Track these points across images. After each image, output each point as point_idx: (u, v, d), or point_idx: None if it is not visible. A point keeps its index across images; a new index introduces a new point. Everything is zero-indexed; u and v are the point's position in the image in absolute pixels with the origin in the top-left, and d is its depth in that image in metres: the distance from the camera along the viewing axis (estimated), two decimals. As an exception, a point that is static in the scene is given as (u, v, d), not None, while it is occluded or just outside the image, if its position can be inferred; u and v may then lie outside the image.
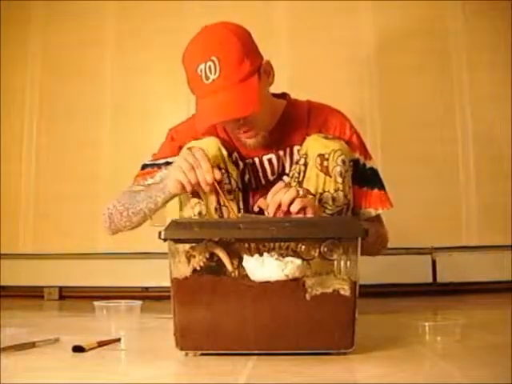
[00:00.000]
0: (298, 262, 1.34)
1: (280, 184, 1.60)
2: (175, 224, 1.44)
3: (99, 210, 2.81)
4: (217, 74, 1.56)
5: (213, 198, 1.63)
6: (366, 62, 2.75)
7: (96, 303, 1.51)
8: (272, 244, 1.51)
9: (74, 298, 2.70)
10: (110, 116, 2.82)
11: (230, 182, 1.66)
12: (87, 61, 2.84)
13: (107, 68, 2.84)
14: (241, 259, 1.39)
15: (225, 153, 1.66)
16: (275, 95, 1.82)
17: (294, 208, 1.48)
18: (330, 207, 1.63)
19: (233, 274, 1.39)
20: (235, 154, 1.72)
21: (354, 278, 1.35)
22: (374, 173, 1.78)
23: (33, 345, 1.44)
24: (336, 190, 1.62)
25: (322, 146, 1.63)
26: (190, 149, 1.61)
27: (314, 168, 1.62)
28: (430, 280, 2.63)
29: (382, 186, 1.79)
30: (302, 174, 1.65)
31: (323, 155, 1.61)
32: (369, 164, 1.78)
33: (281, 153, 1.75)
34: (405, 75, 2.72)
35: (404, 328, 1.56)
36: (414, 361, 1.28)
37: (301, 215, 1.49)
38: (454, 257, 2.65)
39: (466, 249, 2.65)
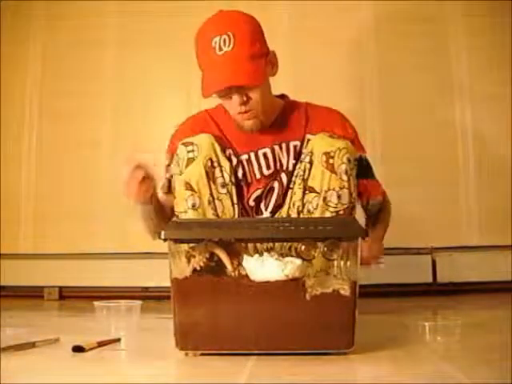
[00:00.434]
0: (298, 261, 1.34)
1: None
2: (175, 224, 1.44)
3: (99, 210, 2.83)
4: (230, 47, 1.66)
5: (206, 191, 1.66)
6: (366, 62, 2.75)
7: (96, 303, 1.51)
8: (272, 244, 1.52)
9: (74, 297, 2.70)
10: (110, 116, 2.82)
11: (222, 176, 1.69)
12: (87, 61, 2.84)
13: (107, 68, 2.84)
14: (241, 259, 1.39)
15: (217, 147, 1.69)
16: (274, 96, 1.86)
17: None
18: (334, 205, 1.63)
19: (233, 274, 1.40)
20: (229, 151, 1.75)
21: (353, 278, 1.35)
22: (369, 164, 1.88)
23: (33, 345, 1.44)
24: (341, 188, 1.63)
25: (328, 144, 1.64)
26: (185, 144, 1.67)
27: (320, 165, 1.63)
28: (430, 280, 2.62)
29: (374, 174, 1.92)
30: (307, 172, 1.67)
31: (329, 153, 1.63)
32: (363, 155, 1.85)
33: (276, 147, 1.79)
34: (405, 75, 2.72)
35: (404, 328, 1.56)
36: (414, 361, 1.29)
37: None
38: (454, 257, 2.64)
39: (466, 249, 2.65)
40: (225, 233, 1.39)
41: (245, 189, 1.78)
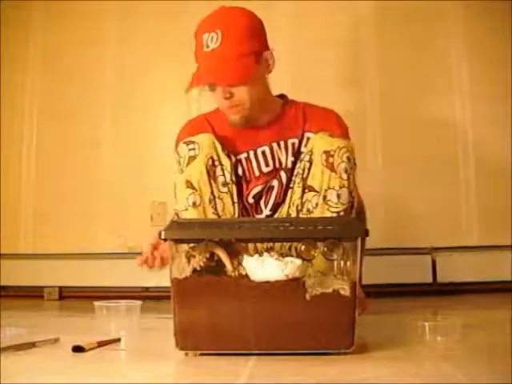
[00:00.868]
0: (298, 261, 1.34)
1: None
2: (175, 224, 1.44)
3: (99, 210, 2.83)
4: (217, 44, 1.69)
5: (207, 189, 1.66)
6: (366, 61, 2.75)
7: (96, 303, 1.51)
8: (272, 244, 1.52)
9: (74, 297, 2.70)
10: (110, 116, 2.82)
11: (223, 174, 1.70)
12: (87, 60, 2.84)
13: (107, 68, 2.84)
14: (241, 259, 1.39)
15: (219, 146, 1.70)
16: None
17: None
18: (334, 205, 1.63)
19: (233, 274, 1.39)
20: (228, 150, 1.75)
21: (353, 278, 1.35)
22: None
23: (33, 345, 1.44)
24: (341, 187, 1.63)
25: (328, 143, 1.65)
26: (186, 142, 1.67)
27: (320, 164, 1.64)
28: (430, 280, 2.63)
29: None
30: (306, 171, 1.68)
31: (328, 152, 1.63)
32: None
33: (274, 145, 1.80)
34: (405, 75, 2.72)
35: (404, 328, 1.56)
36: (414, 361, 1.28)
37: None
38: (454, 257, 2.64)
39: (466, 249, 2.65)
40: (225, 233, 1.39)
41: (244, 186, 1.78)
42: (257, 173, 1.80)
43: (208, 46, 1.69)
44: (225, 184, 1.70)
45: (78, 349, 1.37)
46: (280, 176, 1.79)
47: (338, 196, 1.63)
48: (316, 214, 1.64)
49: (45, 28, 2.88)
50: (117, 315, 1.50)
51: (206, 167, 1.67)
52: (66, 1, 2.86)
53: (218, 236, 1.39)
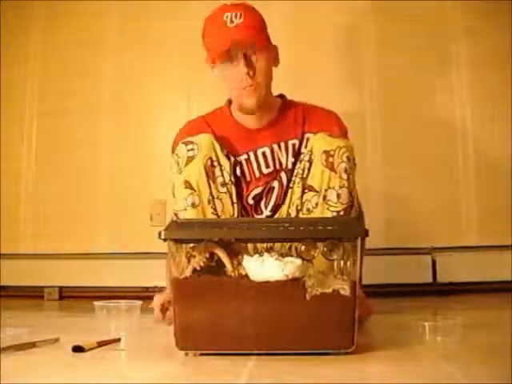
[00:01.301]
0: (298, 261, 1.34)
1: None
2: (175, 224, 1.44)
3: (99, 210, 2.83)
4: (241, 20, 1.72)
5: (205, 190, 1.66)
6: (366, 62, 2.75)
7: (96, 303, 1.51)
8: (272, 244, 1.52)
9: (74, 297, 2.70)
10: (109, 116, 2.82)
11: (222, 175, 1.70)
12: (87, 60, 2.84)
13: (107, 67, 2.84)
14: (241, 259, 1.39)
15: (218, 147, 1.70)
16: None
17: None
18: (334, 204, 1.63)
19: (233, 274, 1.39)
20: (227, 151, 1.75)
21: (353, 277, 1.35)
22: None
23: (33, 345, 1.43)
24: (341, 187, 1.63)
25: (327, 143, 1.65)
26: (185, 143, 1.67)
27: (319, 164, 1.64)
28: (430, 280, 2.62)
29: None
30: (306, 171, 1.68)
31: (328, 152, 1.63)
32: None
33: (275, 147, 1.81)
34: (405, 75, 2.72)
35: (404, 328, 1.56)
36: (414, 361, 1.28)
37: None
38: (454, 257, 2.64)
39: (466, 249, 2.65)
40: (225, 233, 1.39)
41: (244, 187, 1.78)
42: (257, 174, 1.80)
43: (232, 22, 1.71)
44: (224, 184, 1.70)
45: (77, 349, 1.37)
46: (280, 177, 1.80)
47: (338, 196, 1.63)
48: (316, 213, 1.64)
49: (45, 28, 2.88)
50: (117, 315, 1.50)
51: (205, 168, 1.66)
52: (66, 1, 2.86)
53: (218, 236, 1.39)
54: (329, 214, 1.63)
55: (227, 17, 1.72)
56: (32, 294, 2.71)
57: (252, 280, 1.34)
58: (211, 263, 1.41)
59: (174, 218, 1.66)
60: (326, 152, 1.63)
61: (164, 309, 1.74)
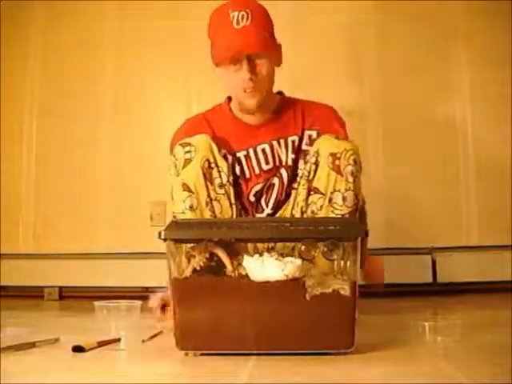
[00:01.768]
0: (298, 261, 1.34)
1: None
2: (175, 224, 1.44)
3: (99, 210, 2.83)
4: (248, 22, 1.70)
5: (203, 192, 1.66)
6: (366, 61, 2.75)
7: (96, 303, 1.51)
8: (273, 244, 1.52)
9: (74, 297, 2.70)
10: (110, 116, 2.82)
11: (220, 176, 1.69)
12: (87, 60, 2.84)
13: (107, 67, 2.84)
14: (241, 259, 1.39)
15: (215, 148, 1.69)
16: None
17: None
18: (339, 207, 1.63)
19: (233, 274, 1.39)
20: (225, 150, 1.75)
21: (353, 278, 1.35)
22: None
23: (33, 345, 1.44)
24: (347, 190, 1.63)
25: (334, 145, 1.65)
26: (182, 144, 1.67)
27: (326, 166, 1.63)
28: (430, 280, 2.62)
29: None
30: (312, 173, 1.67)
31: (335, 154, 1.63)
32: None
33: (275, 143, 1.81)
34: (405, 75, 2.72)
35: (404, 328, 1.56)
36: (414, 361, 1.28)
37: None
38: (454, 257, 2.64)
39: (466, 249, 2.65)
40: (225, 233, 1.39)
41: (244, 184, 1.79)
42: (257, 170, 1.80)
43: (239, 23, 1.70)
44: (221, 186, 1.69)
45: (77, 349, 1.37)
46: (280, 173, 1.80)
47: (344, 199, 1.63)
48: (321, 216, 1.65)
49: (45, 28, 2.88)
50: (117, 315, 1.50)
51: (202, 169, 1.66)
52: (66, 1, 2.86)
53: (218, 236, 1.39)
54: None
55: (233, 17, 1.70)
56: (32, 294, 2.70)
57: (252, 280, 1.34)
58: (211, 263, 1.42)
59: (174, 219, 1.66)
60: (333, 154, 1.63)
61: (164, 309, 1.73)
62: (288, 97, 1.89)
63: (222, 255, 1.41)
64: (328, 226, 1.38)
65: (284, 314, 1.32)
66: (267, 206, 1.80)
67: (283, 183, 1.79)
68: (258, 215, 1.80)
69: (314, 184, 1.67)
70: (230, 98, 1.87)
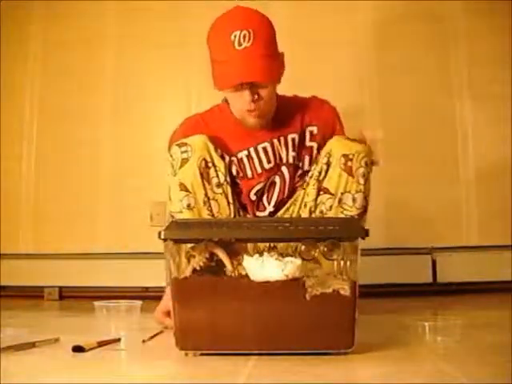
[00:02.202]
0: (298, 261, 1.34)
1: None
2: (175, 224, 1.44)
3: (99, 210, 2.83)
4: (250, 43, 1.65)
5: (201, 191, 1.66)
6: (366, 61, 2.75)
7: (96, 303, 1.51)
8: (272, 244, 1.52)
9: (74, 297, 2.70)
10: (109, 116, 2.82)
11: (217, 176, 1.69)
12: (87, 60, 2.84)
13: (107, 68, 2.84)
14: (241, 259, 1.39)
15: (212, 147, 1.69)
16: None
17: None
18: (349, 208, 1.64)
19: (233, 274, 1.40)
20: (223, 151, 1.74)
21: (353, 277, 1.35)
22: None
23: (33, 345, 1.44)
24: (357, 192, 1.64)
25: (346, 146, 1.66)
26: (179, 144, 1.66)
27: (338, 167, 1.65)
28: (430, 280, 2.62)
29: None
30: (323, 174, 1.68)
31: (347, 155, 1.64)
32: None
33: (275, 141, 1.80)
34: (405, 75, 2.72)
35: (404, 328, 1.56)
36: (414, 361, 1.28)
37: None
38: (453, 257, 2.64)
39: (466, 249, 2.65)
40: (225, 233, 1.39)
41: (246, 183, 1.78)
42: (259, 170, 1.80)
43: (241, 44, 1.65)
44: (219, 185, 1.69)
45: (77, 349, 1.37)
46: (282, 172, 1.80)
47: (354, 200, 1.64)
48: (329, 216, 1.65)
49: (45, 28, 2.88)
50: (117, 315, 1.50)
51: (199, 169, 1.66)
52: (66, 1, 2.86)
53: (218, 236, 1.39)
54: None
55: (235, 37, 1.65)
56: (32, 294, 2.70)
57: (252, 280, 1.34)
58: (211, 263, 1.42)
59: (171, 220, 1.66)
60: (345, 156, 1.64)
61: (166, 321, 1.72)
62: (283, 95, 1.87)
63: (222, 255, 1.41)
64: (328, 226, 1.38)
65: (284, 314, 1.32)
66: (269, 204, 1.80)
67: (285, 181, 1.79)
68: (259, 213, 1.80)
69: (325, 184, 1.68)
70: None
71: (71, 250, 2.74)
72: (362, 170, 1.64)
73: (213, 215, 1.68)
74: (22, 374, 1.21)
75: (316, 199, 1.69)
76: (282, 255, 1.38)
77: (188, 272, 1.40)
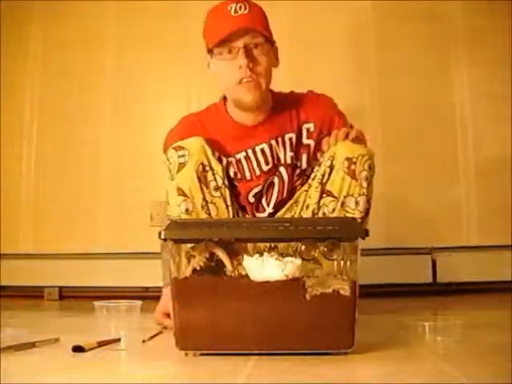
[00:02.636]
0: (298, 261, 1.34)
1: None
2: (175, 224, 1.44)
3: (99, 210, 2.83)
4: (246, 11, 1.69)
5: (198, 195, 1.65)
6: (366, 61, 2.75)
7: (96, 303, 1.51)
8: (272, 244, 1.52)
9: (74, 297, 2.70)
10: (109, 116, 2.82)
11: (215, 179, 1.68)
12: (87, 60, 2.84)
13: (107, 68, 2.84)
14: (241, 259, 1.39)
15: (209, 150, 1.68)
16: None
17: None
18: (351, 211, 1.64)
19: (233, 274, 1.39)
20: (220, 152, 1.74)
21: (354, 277, 1.35)
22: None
23: (33, 345, 1.44)
24: (360, 195, 1.64)
25: (350, 149, 1.65)
26: (175, 148, 1.65)
27: (341, 171, 1.64)
28: (430, 280, 2.62)
29: None
30: (326, 176, 1.67)
31: (351, 159, 1.63)
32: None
33: (273, 142, 1.79)
34: (405, 75, 2.72)
35: (404, 328, 1.56)
36: (414, 361, 1.28)
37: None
38: (453, 257, 2.64)
39: (466, 249, 2.65)
40: (225, 233, 1.39)
41: (244, 186, 1.78)
42: (257, 172, 1.79)
43: (237, 12, 1.68)
44: (217, 188, 1.68)
45: (78, 349, 1.37)
46: (280, 172, 1.79)
47: (357, 203, 1.64)
48: None
49: (45, 28, 2.88)
50: (117, 315, 1.50)
51: (197, 173, 1.65)
52: (66, 1, 2.86)
53: (218, 236, 1.39)
54: None
55: (231, 7, 1.68)
56: (32, 294, 2.70)
57: (252, 280, 1.34)
58: (211, 263, 1.42)
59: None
60: (349, 159, 1.63)
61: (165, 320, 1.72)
62: (278, 92, 1.85)
63: (222, 255, 1.41)
64: (328, 226, 1.38)
65: (284, 314, 1.32)
66: (268, 205, 1.80)
67: (283, 182, 1.79)
68: (258, 215, 1.80)
69: (328, 187, 1.67)
70: (225, 98, 1.83)
71: (71, 249, 2.73)
72: (365, 173, 1.63)
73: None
74: (22, 374, 1.21)
75: (319, 202, 1.69)
76: (282, 255, 1.38)
77: (188, 272, 1.40)
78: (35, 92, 2.86)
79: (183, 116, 1.89)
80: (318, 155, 1.76)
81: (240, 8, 1.68)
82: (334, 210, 1.66)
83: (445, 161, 2.70)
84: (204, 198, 1.66)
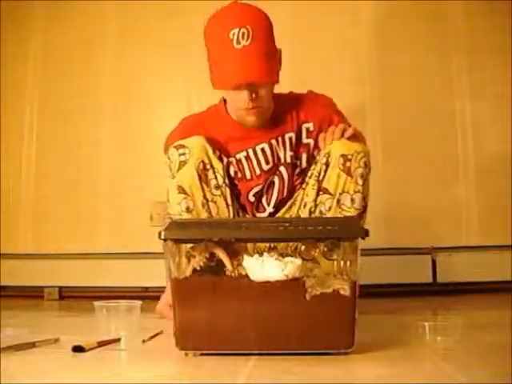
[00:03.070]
0: (298, 261, 1.34)
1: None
2: (175, 224, 1.44)
3: (99, 210, 2.83)
4: (249, 41, 1.63)
5: (199, 194, 1.65)
6: (366, 61, 2.75)
7: (96, 303, 1.51)
8: (272, 244, 1.52)
9: (74, 297, 2.70)
10: (109, 116, 2.82)
11: (215, 177, 1.69)
12: (87, 60, 2.84)
13: (107, 67, 2.84)
14: (241, 259, 1.39)
15: (209, 149, 1.68)
16: None
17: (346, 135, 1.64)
18: (347, 209, 1.64)
19: (233, 274, 1.39)
20: (221, 152, 1.74)
21: (354, 277, 1.35)
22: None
23: (33, 345, 1.43)
24: (356, 192, 1.64)
25: (345, 147, 1.65)
26: (176, 147, 1.65)
27: (336, 168, 1.64)
28: (430, 280, 2.62)
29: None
30: (322, 174, 1.68)
31: (346, 156, 1.64)
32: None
33: (273, 142, 1.80)
34: (405, 75, 2.72)
35: (404, 328, 1.56)
36: (414, 361, 1.28)
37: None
38: (453, 257, 2.64)
39: (466, 249, 2.65)
40: (225, 233, 1.39)
41: (244, 185, 1.78)
42: (258, 171, 1.79)
43: (239, 43, 1.63)
44: (218, 187, 1.69)
45: (78, 349, 1.37)
46: (280, 172, 1.80)
47: (352, 200, 1.64)
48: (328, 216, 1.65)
49: (45, 28, 2.88)
50: (117, 315, 1.50)
51: (198, 171, 1.65)
52: (67, 1, 2.86)
53: (218, 236, 1.39)
54: None
55: (233, 34, 1.63)
56: (32, 294, 2.71)
57: (252, 280, 1.34)
58: (211, 263, 1.42)
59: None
60: (344, 156, 1.64)
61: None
62: (278, 93, 1.85)
63: (222, 255, 1.41)
64: (327, 226, 1.38)
65: (284, 314, 1.32)
66: (269, 205, 1.80)
67: (284, 181, 1.79)
68: (259, 214, 1.80)
69: (324, 184, 1.68)
70: (225, 99, 1.84)
71: (71, 249, 2.74)
72: (360, 170, 1.63)
73: (212, 217, 1.68)
74: (22, 374, 1.21)
75: (316, 199, 1.70)
76: (282, 255, 1.38)
77: (188, 272, 1.40)
78: (35, 92, 2.86)
79: (184, 117, 1.89)
80: (315, 153, 1.76)
81: (243, 36, 1.63)
82: (330, 207, 1.67)
83: (445, 161, 2.70)
84: (205, 196, 1.67)
